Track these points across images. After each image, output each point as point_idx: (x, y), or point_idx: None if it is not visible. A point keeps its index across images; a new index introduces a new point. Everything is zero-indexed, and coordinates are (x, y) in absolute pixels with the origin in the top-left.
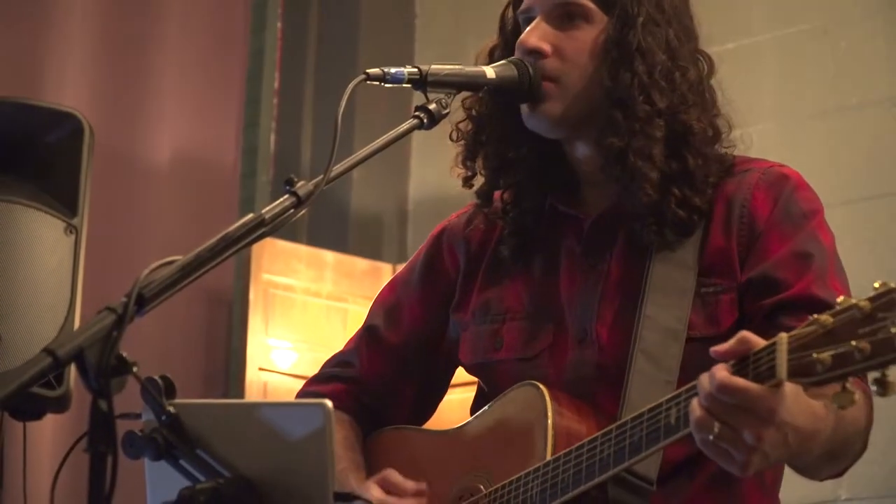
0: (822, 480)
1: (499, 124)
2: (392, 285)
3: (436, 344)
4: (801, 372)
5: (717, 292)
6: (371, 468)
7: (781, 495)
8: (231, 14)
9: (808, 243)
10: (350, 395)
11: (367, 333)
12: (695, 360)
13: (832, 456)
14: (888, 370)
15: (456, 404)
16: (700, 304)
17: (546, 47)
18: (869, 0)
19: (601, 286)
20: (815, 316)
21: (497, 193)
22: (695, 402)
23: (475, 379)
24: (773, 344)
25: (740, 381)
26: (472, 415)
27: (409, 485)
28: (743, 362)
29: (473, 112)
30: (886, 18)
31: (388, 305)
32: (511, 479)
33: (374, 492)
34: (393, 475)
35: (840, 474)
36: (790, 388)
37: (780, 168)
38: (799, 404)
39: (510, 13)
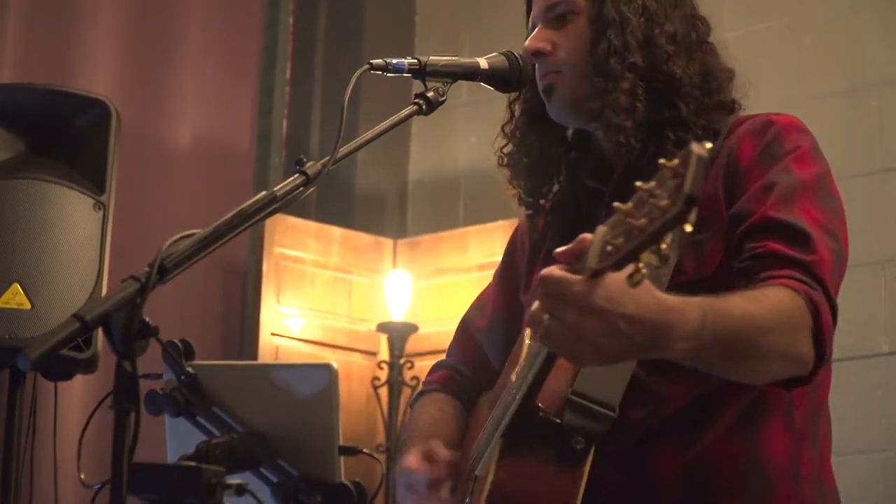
0: (759, 382)
1: (534, 137)
2: (491, 279)
3: (513, 324)
4: (605, 258)
5: (708, 238)
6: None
7: None
8: (247, 11)
9: (778, 174)
10: (452, 378)
11: (461, 326)
12: None
13: (723, 352)
14: (664, 242)
15: None
16: (692, 251)
17: (545, 45)
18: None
19: None
20: (617, 204)
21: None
22: (535, 302)
23: None
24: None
25: (556, 271)
26: None
27: (441, 453)
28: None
29: (513, 137)
30: (847, 16)
31: (480, 299)
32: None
33: (410, 459)
34: (434, 444)
35: (803, 381)
36: (615, 276)
37: (772, 115)
38: (628, 293)
39: None
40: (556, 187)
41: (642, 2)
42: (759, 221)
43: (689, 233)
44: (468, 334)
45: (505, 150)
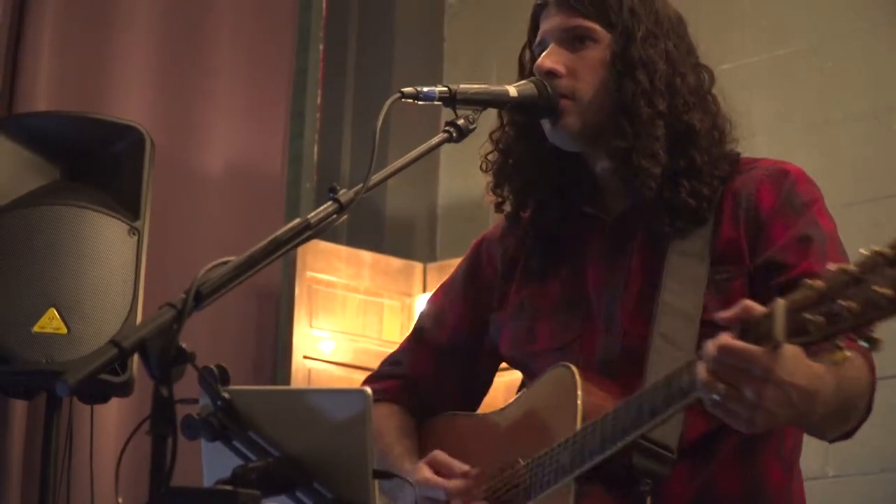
0: (831, 441)
1: (523, 151)
2: (438, 292)
3: (477, 341)
4: (798, 333)
5: (729, 279)
6: (426, 451)
7: None
8: (278, 36)
9: (809, 228)
10: (402, 389)
11: (415, 335)
12: None
13: (838, 415)
14: (875, 327)
15: (501, 386)
16: (714, 290)
17: (560, 68)
18: (853, 24)
19: (624, 278)
20: (809, 281)
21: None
22: (700, 366)
23: None
24: (772, 308)
25: (739, 343)
26: None
27: (456, 465)
28: (746, 327)
29: (501, 145)
30: (868, 40)
31: (434, 309)
32: (545, 450)
33: (425, 472)
34: (441, 455)
35: (848, 435)
36: (790, 349)
37: (782, 164)
38: (799, 365)
39: (528, 55)
40: (534, 203)
41: (665, 47)
42: (805, 277)
43: None
44: (423, 345)
45: (490, 157)
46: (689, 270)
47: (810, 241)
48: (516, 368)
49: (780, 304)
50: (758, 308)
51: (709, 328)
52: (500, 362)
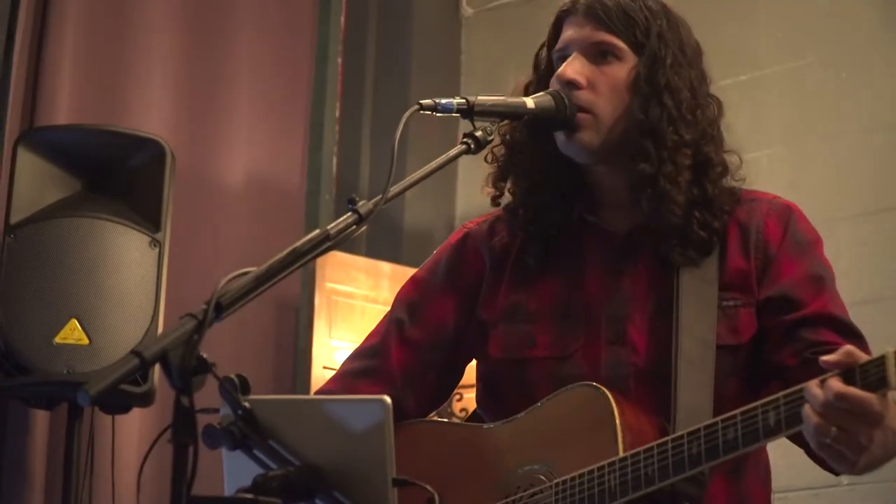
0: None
1: (531, 151)
2: (415, 283)
3: (458, 339)
4: None
5: (737, 306)
6: (411, 457)
7: (788, 480)
8: (297, 49)
9: (818, 268)
10: (379, 391)
11: (395, 327)
12: (722, 366)
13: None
14: None
15: (470, 402)
16: (722, 316)
17: (582, 79)
18: (867, 35)
19: (631, 293)
20: None
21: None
22: (808, 410)
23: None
24: (882, 357)
25: (855, 390)
26: (480, 409)
27: None
28: (850, 373)
29: (508, 138)
30: (881, 52)
31: (412, 302)
32: (581, 471)
33: None
34: None
35: None
36: (890, 394)
37: (781, 199)
38: (894, 409)
39: (544, 53)
40: (536, 204)
41: (689, 76)
42: (820, 316)
43: None
44: (405, 337)
45: (496, 150)
46: (701, 295)
47: (823, 282)
48: (500, 371)
49: (891, 353)
50: (861, 355)
51: (719, 353)
52: (470, 361)
